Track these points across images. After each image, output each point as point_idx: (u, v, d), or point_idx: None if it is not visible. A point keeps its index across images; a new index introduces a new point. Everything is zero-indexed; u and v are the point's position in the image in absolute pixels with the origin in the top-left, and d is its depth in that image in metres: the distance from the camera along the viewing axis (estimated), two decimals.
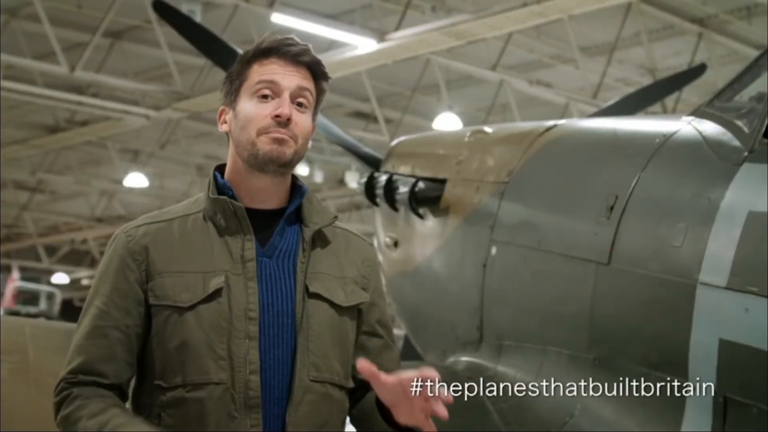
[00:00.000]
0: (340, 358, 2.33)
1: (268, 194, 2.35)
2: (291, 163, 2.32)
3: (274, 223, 2.33)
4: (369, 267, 2.46)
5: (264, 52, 2.34)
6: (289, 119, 2.29)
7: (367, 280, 2.44)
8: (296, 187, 2.40)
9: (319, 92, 2.39)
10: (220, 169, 2.41)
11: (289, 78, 2.32)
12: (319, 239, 2.36)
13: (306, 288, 2.30)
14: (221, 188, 2.34)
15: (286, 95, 2.31)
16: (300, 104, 2.33)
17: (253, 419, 2.20)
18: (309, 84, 2.35)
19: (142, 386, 2.28)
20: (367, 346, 2.42)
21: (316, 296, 2.31)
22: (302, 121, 2.32)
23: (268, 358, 2.24)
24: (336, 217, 2.42)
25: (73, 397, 2.22)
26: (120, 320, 2.26)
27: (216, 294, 2.23)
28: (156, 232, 2.31)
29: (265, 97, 2.31)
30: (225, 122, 2.38)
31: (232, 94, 2.36)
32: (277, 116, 2.28)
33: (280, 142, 2.28)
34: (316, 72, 2.37)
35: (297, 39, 2.37)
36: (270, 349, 2.25)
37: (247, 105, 2.32)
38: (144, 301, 2.26)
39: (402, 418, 2.19)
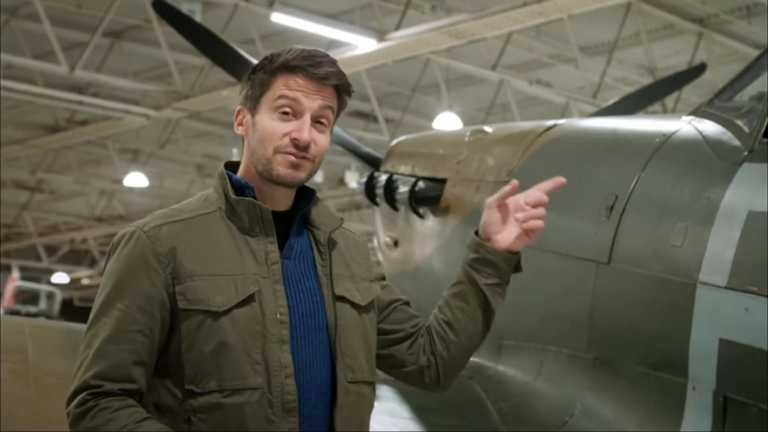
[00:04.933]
0: (367, 355, 2.36)
1: (278, 199, 2.35)
2: (303, 182, 2.34)
3: (281, 225, 2.32)
4: (367, 258, 2.50)
5: (291, 69, 2.30)
6: (308, 144, 2.28)
7: (371, 273, 2.47)
8: (302, 189, 2.39)
9: (341, 107, 2.38)
10: (229, 167, 2.39)
11: (312, 98, 2.29)
12: (330, 242, 2.38)
13: (332, 291, 2.32)
14: (240, 188, 2.32)
15: (307, 117, 2.29)
16: (320, 122, 2.32)
17: (290, 423, 2.19)
18: (332, 102, 2.33)
19: (167, 389, 2.22)
20: (403, 310, 2.51)
21: (341, 299, 2.33)
22: (321, 140, 2.31)
23: (298, 360, 2.24)
24: (342, 220, 2.43)
25: (101, 409, 2.14)
26: (145, 324, 2.19)
27: (250, 298, 2.22)
28: (179, 232, 2.25)
29: (285, 113, 2.29)
30: (242, 125, 2.36)
31: (252, 100, 2.34)
32: (296, 139, 2.28)
33: (295, 167, 2.29)
34: (341, 90, 2.35)
35: (325, 54, 2.34)
36: (299, 351, 2.25)
37: (266, 119, 2.30)
38: (169, 304, 2.21)
39: (504, 241, 2.45)
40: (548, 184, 2.50)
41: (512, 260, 2.47)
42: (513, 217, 2.46)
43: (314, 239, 2.36)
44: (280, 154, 2.28)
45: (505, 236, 2.46)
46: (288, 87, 2.29)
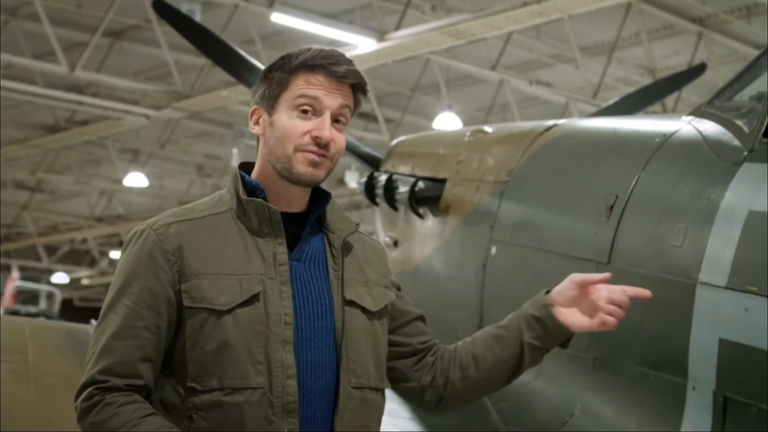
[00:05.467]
0: (374, 361, 2.36)
1: (293, 199, 2.36)
2: (322, 180, 2.35)
3: (294, 226, 2.34)
4: (385, 265, 2.50)
5: (310, 67, 2.32)
6: (328, 142, 2.30)
7: (386, 279, 2.47)
8: (317, 191, 2.40)
9: (356, 106, 2.40)
10: (243, 167, 2.40)
11: (332, 96, 2.31)
12: (345, 246, 2.38)
13: (342, 295, 2.33)
14: (252, 189, 2.33)
15: (327, 115, 2.30)
16: (338, 121, 2.33)
17: (290, 423, 2.20)
18: (350, 101, 2.35)
19: (171, 386, 2.24)
20: (415, 325, 2.51)
21: (351, 303, 2.34)
22: (339, 138, 2.33)
23: (302, 361, 2.24)
24: (358, 225, 2.44)
25: (106, 404, 2.16)
26: (151, 321, 2.21)
27: (254, 298, 2.23)
28: (188, 231, 2.27)
29: (305, 112, 2.30)
30: (257, 124, 2.37)
31: (269, 99, 2.35)
32: (317, 137, 2.29)
33: (315, 165, 2.30)
34: (358, 89, 2.37)
35: (342, 54, 2.36)
36: (304, 352, 2.25)
37: (285, 117, 2.31)
38: (175, 302, 2.24)
39: (566, 318, 2.46)
40: (633, 291, 2.48)
41: (564, 336, 2.48)
42: (588, 301, 2.46)
43: (329, 242, 2.36)
44: (301, 152, 2.29)
45: (570, 314, 2.47)
46: (309, 84, 2.30)
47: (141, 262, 2.25)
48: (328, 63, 2.31)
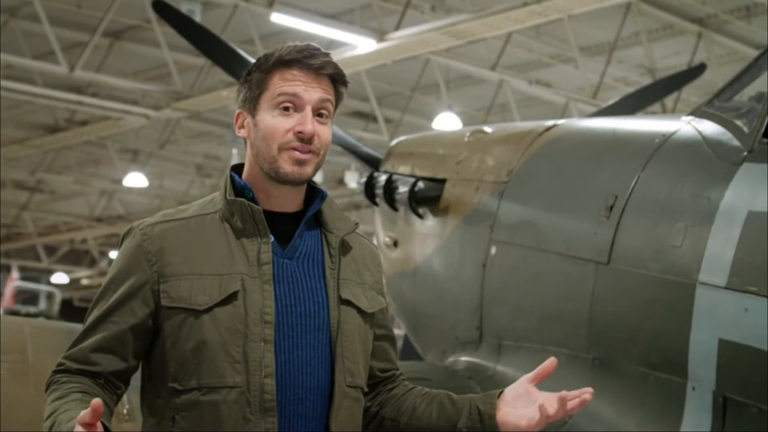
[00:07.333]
0: (364, 363, 2.37)
1: (285, 199, 2.36)
2: (310, 177, 2.35)
3: (291, 226, 2.34)
4: (379, 271, 2.50)
5: (286, 63, 2.31)
6: (312, 136, 2.29)
7: (379, 285, 2.47)
8: (313, 190, 2.40)
9: (338, 99, 2.39)
10: (236, 169, 2.41)
11: (311, 91, 2.30)
12: (343, 246, 2.38)
13: (338, 294, 2.32)
14: (239, 190, 2.34)
15: (308, 110, 2.30)
16: (321, 115, 2.33)
17: (268, 422, 2.20)
18: (330, 94, 2.34)
19: (155, 388, 2.27)
20: (383, 347, 2.48)
21: (347, 302, 2.33)
22: (323, 132, 2.32)
23: (290, 359, 2.24)
24: (357, 224, 2.44)
25: (51, 382, 2.24)
26: (122, 317, 2.24)
27: (232, 297, 2.23)
28: (172, 231, 2.29)
29: (286, 109, 2.30)
30: (243, 127, 2.37)
31: (251, 102, 2.35)
32: (300, 133, 2.29)
33: (301, 163, 2.29)
34: (337, 80, 2.36)
35: (318, 47, 2.35)
36: (291, 350, 2.25)
37: (268, 117, 2.31)
38: (153, 302, 2.25)
39: (510, 417, 2.32)
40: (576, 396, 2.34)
41: None
42: (532, 398, 2.35)
43: (326, 241, 2.36)
44: (286, 151, 2.29)
45: (509, 412, 2.35)
46: (286, 81, 2.30)
47: (124, 262, 2.29)
48: (303, 57, 2.30)
